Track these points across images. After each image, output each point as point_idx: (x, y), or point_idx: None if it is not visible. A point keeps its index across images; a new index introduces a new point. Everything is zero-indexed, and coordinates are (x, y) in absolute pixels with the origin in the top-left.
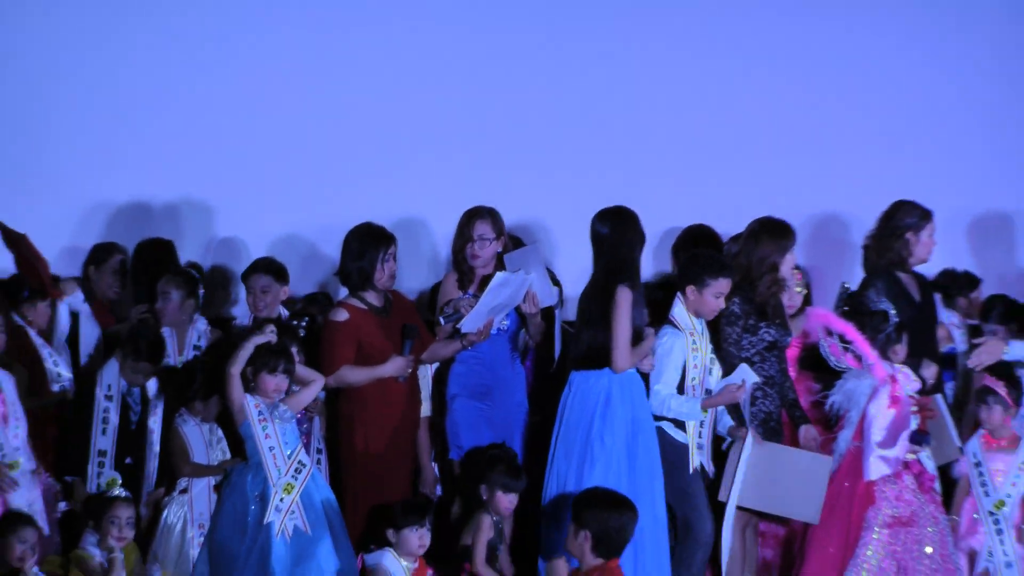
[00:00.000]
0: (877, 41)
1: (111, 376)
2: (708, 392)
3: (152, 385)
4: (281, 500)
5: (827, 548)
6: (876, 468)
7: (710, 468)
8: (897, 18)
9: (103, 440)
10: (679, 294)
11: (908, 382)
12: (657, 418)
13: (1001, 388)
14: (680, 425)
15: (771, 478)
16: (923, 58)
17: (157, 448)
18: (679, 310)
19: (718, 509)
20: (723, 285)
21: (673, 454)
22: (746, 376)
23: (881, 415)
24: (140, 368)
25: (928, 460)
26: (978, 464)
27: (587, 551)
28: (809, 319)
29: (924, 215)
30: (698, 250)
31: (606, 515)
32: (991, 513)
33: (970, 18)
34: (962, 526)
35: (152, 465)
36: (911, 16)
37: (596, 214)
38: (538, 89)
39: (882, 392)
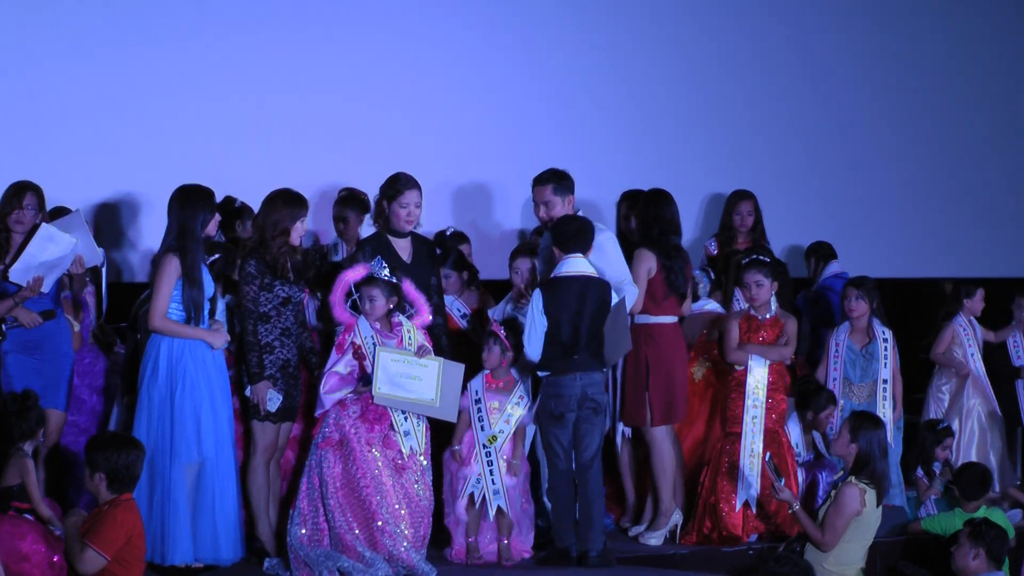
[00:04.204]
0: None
1: None
2: None
3: None
4: None
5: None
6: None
7: None
8: None
9: None
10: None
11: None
12: None
13: (503, 332)
14: None
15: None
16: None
17: None
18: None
19: None
20: None
21: None
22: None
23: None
24: None
25: None
26: (478, 401)
27: (102, 489)
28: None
29: (394, 188)
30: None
31: (115, 455)
32: (484, 446)
33: None
34: (464, 455)
35: None
36: None
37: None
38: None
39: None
